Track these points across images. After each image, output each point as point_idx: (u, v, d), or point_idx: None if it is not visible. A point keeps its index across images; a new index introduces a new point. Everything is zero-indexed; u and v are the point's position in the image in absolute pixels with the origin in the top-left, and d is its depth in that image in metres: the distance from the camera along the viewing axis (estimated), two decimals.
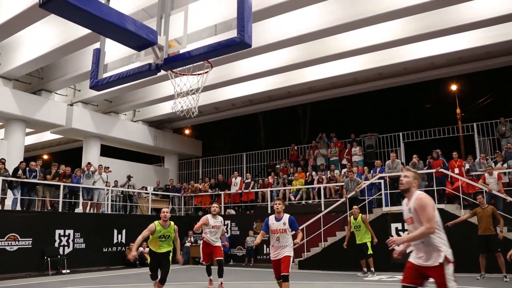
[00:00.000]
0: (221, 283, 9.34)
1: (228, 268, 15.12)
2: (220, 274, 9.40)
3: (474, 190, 13.18)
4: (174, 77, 7.05)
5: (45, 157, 30.10)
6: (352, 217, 12.26)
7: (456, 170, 13.79)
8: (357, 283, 10.40)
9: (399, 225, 12.95)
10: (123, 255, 15.79)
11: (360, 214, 12.06)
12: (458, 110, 21.90)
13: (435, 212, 4.44)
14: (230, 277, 12.13)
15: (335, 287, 9.76)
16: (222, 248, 9.86)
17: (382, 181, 14.31)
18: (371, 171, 15.96)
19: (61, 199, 14.66)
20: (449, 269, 4.41)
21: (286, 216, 7.17)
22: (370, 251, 11.69)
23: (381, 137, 19.65)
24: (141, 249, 15.93)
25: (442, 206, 12.82)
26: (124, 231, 16.13)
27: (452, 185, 13.70)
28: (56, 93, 18.77)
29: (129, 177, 18.75)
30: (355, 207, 12.38)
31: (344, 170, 17.26)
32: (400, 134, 19.16)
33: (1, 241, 12.57)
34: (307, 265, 14.09)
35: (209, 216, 9.84)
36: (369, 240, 11.78)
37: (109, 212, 16.94)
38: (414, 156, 14.57)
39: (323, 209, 15.24)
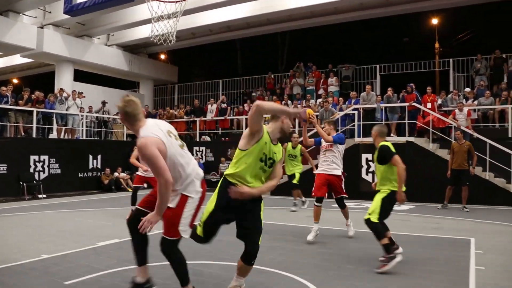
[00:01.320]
0: None
1: None
2: None
3: (444, 125, 13.60)
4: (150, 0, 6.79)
5: (15, 81, 29.24)
6: (290, 144, 11.11)
7: (429, 105, 14.07)
8: (327, 209, 10.84)
9: (369, 156, 13.36)
10: (98, 180, 16.00)
11: (300, 145, 10.99)
12: (436, 45, 21.88)
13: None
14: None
15: (304, 213, 10.18)
16: None
17: (356, 112, 14.56)
18: (346, 102, 16.16)
19: (34, 125, 14.50)
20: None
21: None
22: (296, 181, 10.98)
23: (358, 69, 19.71)
24: (116, 174, 16.16)
25: (412, 139, 13.24)
26: (99, 157, 16.23)
27: (423, 119, 14.03)
28: (24, 14, 17.93)
29: (103, 103, 18.53)
30: (295, 135, 11.38)
31: (319, 100, 17.43)
32: (377, 66, 19.22)
33: None
34: (275, 192, 14.52)
35: None
36: (299, 171, 11.16)
37: (84, 138, 16.90)
38: (389, 89, 14.76)
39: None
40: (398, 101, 14.67)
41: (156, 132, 3.75)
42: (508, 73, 16.03)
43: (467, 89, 15.60)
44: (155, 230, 4.13)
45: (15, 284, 4.77)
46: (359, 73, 19.68)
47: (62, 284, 4.76)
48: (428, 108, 13.84)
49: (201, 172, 4.08)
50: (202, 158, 17.65)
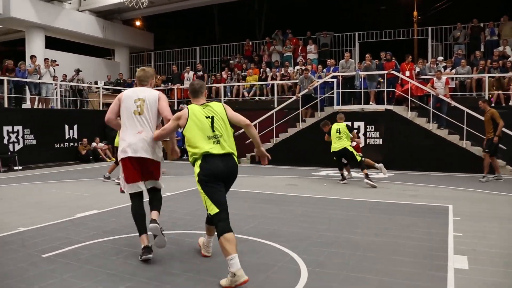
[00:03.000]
0: None
1: (181, 162, 15.44)
2: None
3: (423, 93, 13.66)
4: None
5: None
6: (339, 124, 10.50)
7: (407, 73, 14.08)
8: (305, 177, 10.94)
9: (348, 123, 13.36)
10: (75, 151, 15.71)
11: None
12: (415, 13, 21.78)
13: None
14: (184, 171, 12.45)
15: (284, 181, 10.23)
16: None
17: (335, 80, 14.52)
18: (325, 70, 16.08)
19: (6, 94, 14.03)
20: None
21: None
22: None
23: (337, 36, 19.58)
24: (94, 144, 15.90)
25: (391, 107, 13.30)
26: (75, 127, 15.87)
27: (402, 87, 14.07)
28: None
29: (77, 71, 18.02)
30: (341, 115, 10.96)
31: (297, 68, 17.31)
32: (356, 34, 19.11)
33: None
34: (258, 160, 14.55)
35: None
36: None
37: (59, 107, 16.49)
38: (367, 56, 14.67)
39: (275, 106, 15.46)
40: (377, 69, 14.66)
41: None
42: (485, 42, 16.15)
43: (440, 58, 15.60)
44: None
45: None
46: (338, 40, 19.55)
47: (40, 257, 4.67)
48: (407, 77, 13.86)
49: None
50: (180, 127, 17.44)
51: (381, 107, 13.45)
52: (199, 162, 4.13)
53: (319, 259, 4.59)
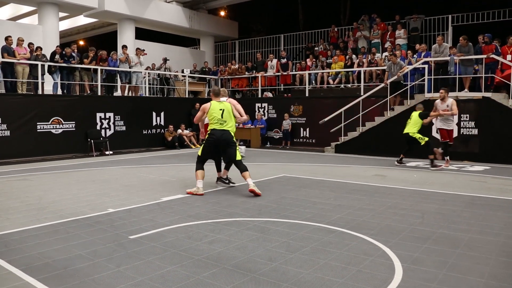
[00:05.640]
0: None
1: (264, 150, 15.41)
2: None
3: None
4: None
5: (81, 43, 29.97)
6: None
7: (509, 57, 12.88)
8: (394, 168, 10.38)
9: (426, 112, 12.53)
10: (162, 137, 16.20)
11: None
12: None
13: None
14: (267, 159, 12.37)
15: (371, 171, 9.77)
16: None
17: (426, 66, 13.65)
18: (415, 56, 15.18)
19: (99, 83, 14.75)
20: None
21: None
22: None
23: (428, 20, 18.42)
24: (179, 131, 16.29)
25: (489, 94, 12.26)
26: (162, 114, 16.36)
27: (502, 73, 12.90)
28: None
29: (165, 60, 18.54)
30: (420, 105, 11.33)
31: (385, 54, 16.52)
32: (449, 16, 17.86)
33: (46, 124, 12.99)
34: (343, 149, 14.13)
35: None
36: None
37: (147, 95, 17.07)
38: (461, 37, 13.37)
39: (362, 93, 14.89)
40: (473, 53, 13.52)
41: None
42: None
43: None
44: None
45: (83, 237, 4.80)
46: (429, 24, 18.40)
47: (127, 238, 4.73)
48: (509, 61, 12.67)
49: None
50: (264, 115, 17.41)
51: (477, 95, 12.43)
52: (209, 132, 7.35)
53: (414, 255, 4.21)
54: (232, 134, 7.36)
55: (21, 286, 3.50)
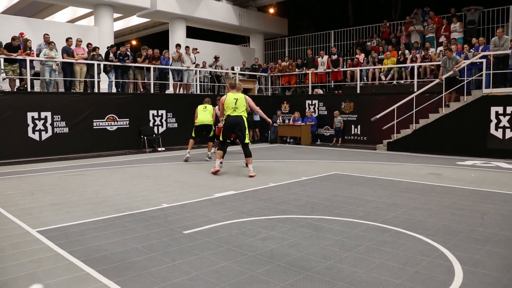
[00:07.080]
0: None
1: (314, 147, 15.29)
2: None
3: None
4: None
5: (134, 42, 30.82)
6: None
7: None
8: (449, 166, 10.03)
9: (499, 109, 11.99)
10: (213, 134, 16.31)
11: None
12: None
13: None
14: (318, 156, 12.27)
15: (425, 170, 9.48)
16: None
17: (484, 60, 13.07)
18: (472, 50, 14.58)
19: (152, 81, 15.11)
20: None
21: None
22: None
23: (486, 12, 17.62)
24: None
25: None
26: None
27: None
28: None
29: (216, 58, 18.76)
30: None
31: (440, 49, 15.95)
32: (511, 7, 17.01)
33: (102, 121, 13.46)
34: (396, 147, 13.80)
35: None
36: None
37: (198, 92, 17.31)
38: None
39: (415, 89, 14.47)
40: None
41: None
42: None
43: None
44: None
45: (139, 231, 4.92)
46: (487, 16, 17.60)
47: (181, 233, 4.81)
48: None
49: None
50: (314, 112, 17.27)
51: None
52: (225, 118, 8.97)
53: (474, 257, 4.04)
54: (244, 119, 8.93)
55: (82, 276, 3.63)
